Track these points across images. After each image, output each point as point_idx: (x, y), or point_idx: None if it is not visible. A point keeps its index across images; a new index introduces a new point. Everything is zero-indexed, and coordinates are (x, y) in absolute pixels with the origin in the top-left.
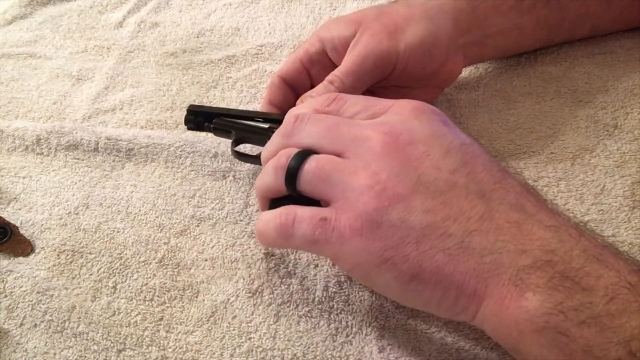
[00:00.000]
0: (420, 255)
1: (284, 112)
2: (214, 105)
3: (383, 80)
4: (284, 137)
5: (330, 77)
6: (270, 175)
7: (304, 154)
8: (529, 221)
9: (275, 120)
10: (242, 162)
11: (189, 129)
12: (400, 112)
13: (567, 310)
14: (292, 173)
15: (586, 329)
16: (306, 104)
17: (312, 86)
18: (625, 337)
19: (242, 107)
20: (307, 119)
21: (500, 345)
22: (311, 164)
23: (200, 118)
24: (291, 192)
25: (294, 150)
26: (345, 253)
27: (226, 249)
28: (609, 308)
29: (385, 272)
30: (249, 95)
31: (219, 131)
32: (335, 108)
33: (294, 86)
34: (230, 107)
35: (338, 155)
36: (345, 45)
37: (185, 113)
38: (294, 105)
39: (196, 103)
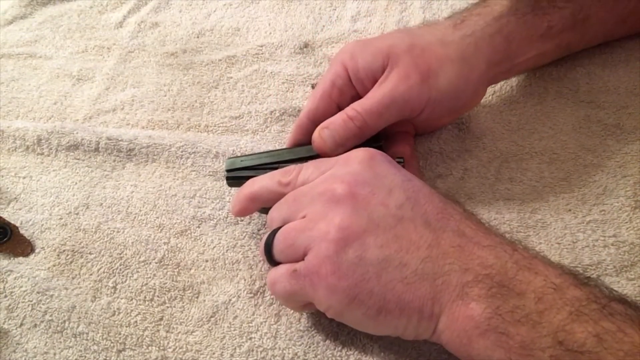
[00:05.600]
0: (383, 288)
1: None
2: (247, 154)
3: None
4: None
5: (351, 112)
6: (264, 261)
7: (274, 231)
8: (469, 244)
9: (305, 158)
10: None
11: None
12: (345, 162)
13: (504, 312)
14: (267, 250)
15: (521, 327)
16: (270, 178)
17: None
18: (553, 329)
19: (243, 107)
20: (276, 211)
21: (454, 354)
22: (279, 237)
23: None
24: (275, 266)
25: (268, 232)
26: (319, 297)
27: (227, 250)
28: (538, 307)
29: (354, 310)
30: (250, 95)
31: (235, 185)
32: (294, 177)
33: (322, 121)
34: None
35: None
36: (372, 77)
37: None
38: None
39: (233, 155)
